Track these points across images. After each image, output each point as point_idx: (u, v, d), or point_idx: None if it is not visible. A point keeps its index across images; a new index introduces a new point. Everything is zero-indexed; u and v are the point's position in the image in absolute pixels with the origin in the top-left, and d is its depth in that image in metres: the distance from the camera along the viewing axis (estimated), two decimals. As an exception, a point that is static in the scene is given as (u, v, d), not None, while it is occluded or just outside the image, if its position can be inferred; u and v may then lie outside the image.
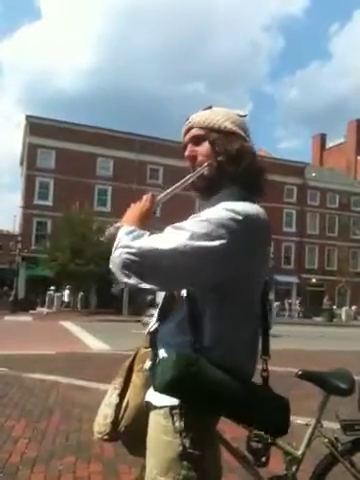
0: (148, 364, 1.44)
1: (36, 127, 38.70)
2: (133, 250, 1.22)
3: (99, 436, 1.54)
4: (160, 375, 1.26)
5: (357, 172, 58.65)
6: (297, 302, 41.61)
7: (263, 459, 1.79)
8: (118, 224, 1.41)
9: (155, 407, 1.33)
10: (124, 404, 1.51)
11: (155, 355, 1.41)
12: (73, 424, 4.32)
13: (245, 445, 1.82)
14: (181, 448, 1.26)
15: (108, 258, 1.30)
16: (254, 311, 1.39)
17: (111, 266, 1.28)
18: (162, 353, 1.37)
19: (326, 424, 2.03)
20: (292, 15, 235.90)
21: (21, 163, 46.40)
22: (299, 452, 1.93)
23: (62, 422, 4.42)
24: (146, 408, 1.38)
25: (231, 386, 1.26)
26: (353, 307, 38.86)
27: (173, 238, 1.22)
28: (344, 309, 36.00)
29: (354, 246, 49.45)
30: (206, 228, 1.23)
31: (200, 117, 1.48)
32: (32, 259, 35.22)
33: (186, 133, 1.51)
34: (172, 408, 1.29)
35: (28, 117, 39.89)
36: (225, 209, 1.27)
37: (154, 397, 1.33)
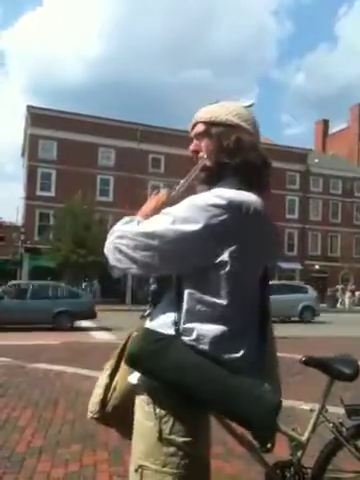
0: None
1: (37, 118, 38.43)
2: (121, 233, 1.34)
3: (90, 415, 1.62)
4: (127, 349, 1.36)
5: (360, 158, 58.26)
6: None
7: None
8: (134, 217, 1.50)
9: (138, 390, 1.36)
10: (113, 385, 1.59)
11: None
12: (78, 413, 4.33)
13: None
14: (160, 434, 1.28)
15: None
16: (247, 301, 1.34)
17: (105, 251, 1.38)
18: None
19: (331, 409, 2.03)
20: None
21: (23, 154, 46.27)
22: (304, 437, 1.94)
23: (67, 411, 4.46)
24: (134, 390, 1.40)
25: (203, 372, 1.24)
26: (357, 293, 38.82)
27: (156, 222, 1.31)
28: (347, 295, 35.98)
29: (357, 232, 49.29)
30: (188, 212, 1.28)
31: (204, 113, 1.52)
32: (35, 250, 35.24)
33: (192, 128, 1.56)
34: (153, 394, 1.31)
35: (29, 107, 39.59)
36: (212, 194, 1.31)
37: (132, 376, 1.38)
